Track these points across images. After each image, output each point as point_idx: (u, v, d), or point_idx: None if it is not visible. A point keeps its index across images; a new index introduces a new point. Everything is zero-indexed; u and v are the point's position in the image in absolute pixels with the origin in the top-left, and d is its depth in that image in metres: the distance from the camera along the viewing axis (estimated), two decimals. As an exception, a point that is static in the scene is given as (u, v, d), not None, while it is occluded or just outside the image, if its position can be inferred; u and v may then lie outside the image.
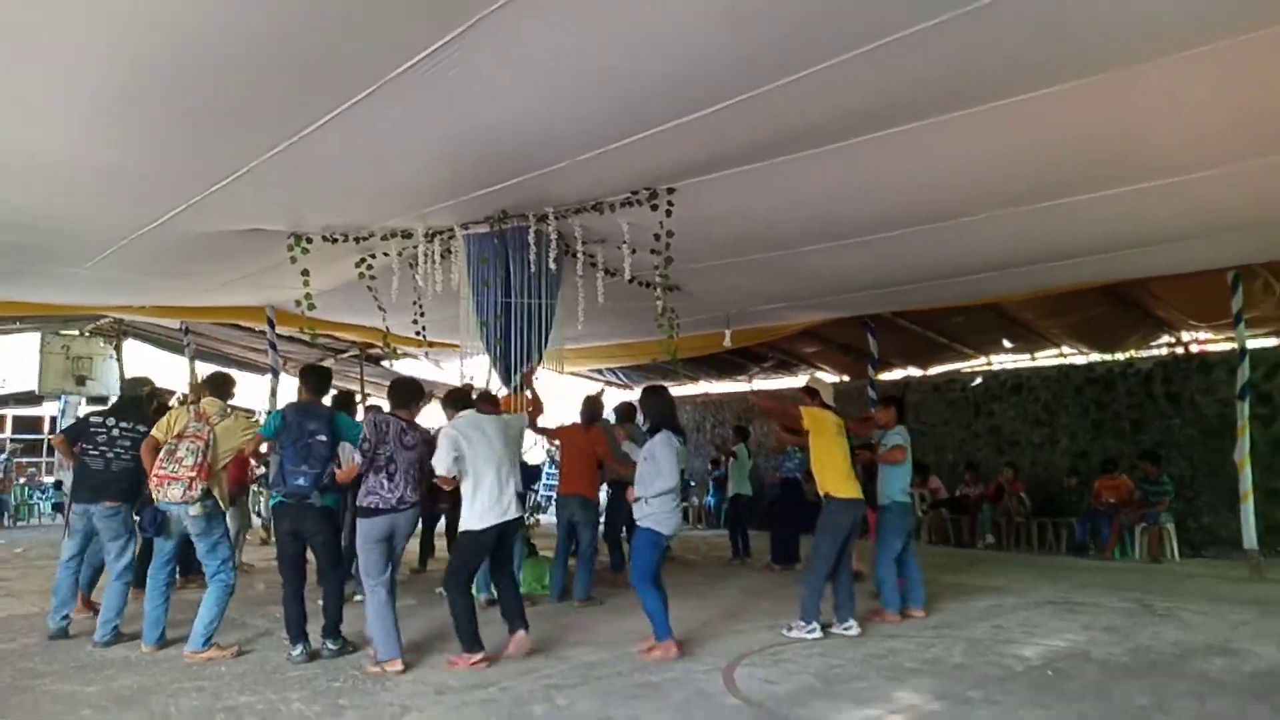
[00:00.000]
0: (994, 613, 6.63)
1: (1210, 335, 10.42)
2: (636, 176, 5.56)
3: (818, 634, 5.73)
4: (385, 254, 6.84)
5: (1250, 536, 8.25)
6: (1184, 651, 5.34)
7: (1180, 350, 10.85)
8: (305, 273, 6.58)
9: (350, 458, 5.51)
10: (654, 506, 5.34)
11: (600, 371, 15.13)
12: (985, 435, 12.51)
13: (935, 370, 13.21)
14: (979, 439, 12.55)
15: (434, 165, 5.34)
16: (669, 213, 5.79)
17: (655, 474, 5.33)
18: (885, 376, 12.86)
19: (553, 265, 6.44)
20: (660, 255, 6.01)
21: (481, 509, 5.07)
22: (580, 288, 6.75)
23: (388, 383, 7.78)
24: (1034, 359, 12.21)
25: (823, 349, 13.17)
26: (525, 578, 7.15)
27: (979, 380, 12.67)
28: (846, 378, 13.58)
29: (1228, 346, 9.68)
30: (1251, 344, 8.81)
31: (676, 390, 16.03)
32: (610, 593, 7.35)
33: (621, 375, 15.33)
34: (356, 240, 6.64)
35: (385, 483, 5.09)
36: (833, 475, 5.90)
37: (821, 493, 5.98)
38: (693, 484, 14.46)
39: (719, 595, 7.57)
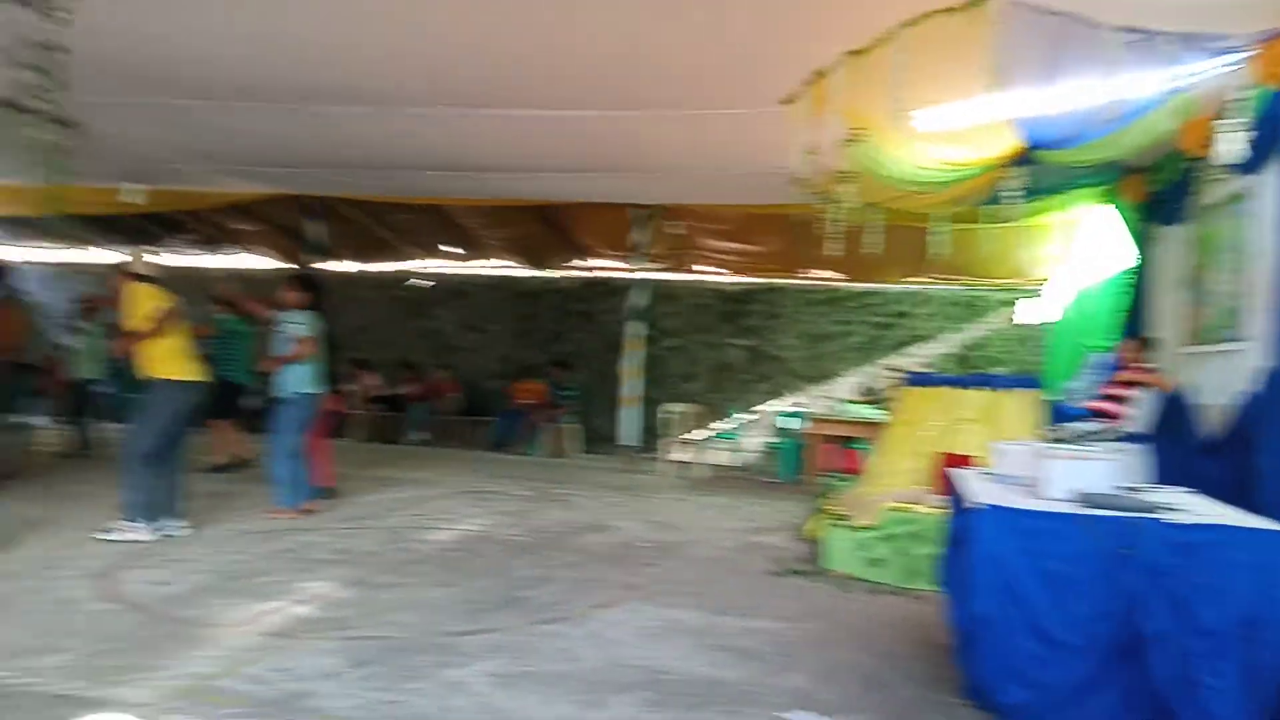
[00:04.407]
0: (414, 503, 6.85)
1: (617, 264, 12.05)
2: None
3: (147, 533, 5.11)
4: None
5: (630, 435, 9.87)
6: (569, 529, 6.12)
7: (592, 273, 12.37)
8: None
9: None
10: None
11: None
12: (427, 336, 12.85)
13: (382, 266, 13.07)
14: (421, 339, 12.84)
15: None
16: (65, 23, 4.55)
17: None
18: (332, 267, 12.33)
19: None
20: (43, 74, 4.72)
21: None
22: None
23: None
24: (474, 267, 12.82)
25: (260, 228, 12.03)
26: None
27: (428, 283, 12.89)
28: (283, 264, 12.68)
29: (626, 275, 11.30)
30: (646, 275, 10.39)
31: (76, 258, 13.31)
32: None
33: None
34: None
35: None
36: (165, 355, 5.26)
37: (154, 375, 5.28)
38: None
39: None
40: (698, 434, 10.40)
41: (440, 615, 3.99)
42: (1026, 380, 6.40)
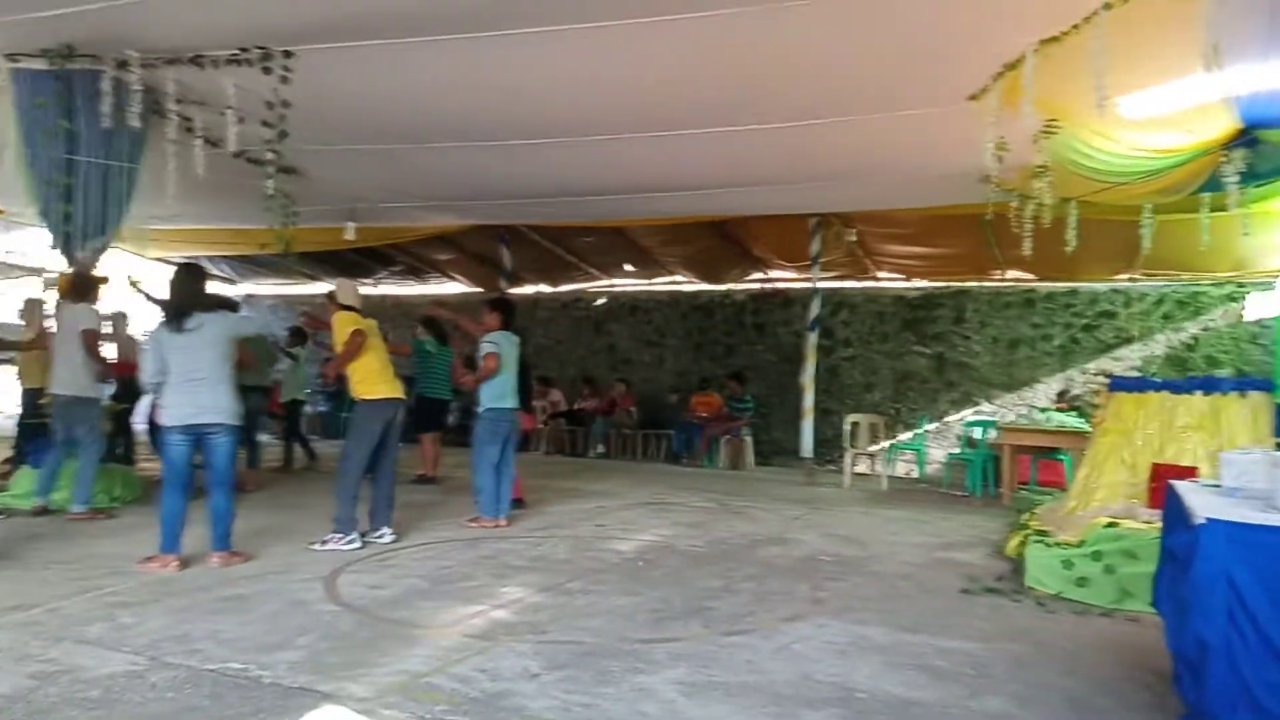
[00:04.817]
0: (598, 514, 7.07)
1: (792, 274, 11.93)
2: (246, 30, 4.81)
3: (357, 544, 5.47)
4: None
5: (807, 447, 9.72)
6: (750, 542, 6.11)
7: (767, 285, 12.31)
8: None
9: None
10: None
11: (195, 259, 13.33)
12: (604, 352, 13.25)
13: (564, 288, 13.61)
14: (598, 355, 13.26)
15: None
16: (285, 79, 5.11)
17: None
18: (517, 291, 12.99)
19: (136, 123, 5.41)
20: (273, 129, 5.32)
21: None
22: (173, 157, 5.77)
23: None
24: (650, 284, 13.10)
25: (457, 257, 12.90)
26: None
27: (604, 300, 13.30)
28: (479, 289, 13.50)
29: (801, 286, 11.14)
30: (822, 284, 10.22)
31: (292, 289, 14.76)
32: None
33: (226, 267, 13.66)
34: None
35: None
36: (362, 376, 5.67)
37: (355, 396, 5.72)
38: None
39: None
40: (880, 445, 10.09)
41: (628, 622, 4.10)
42: (1255, 383, 5.75)
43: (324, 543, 5.44)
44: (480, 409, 6.32)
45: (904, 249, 10.44)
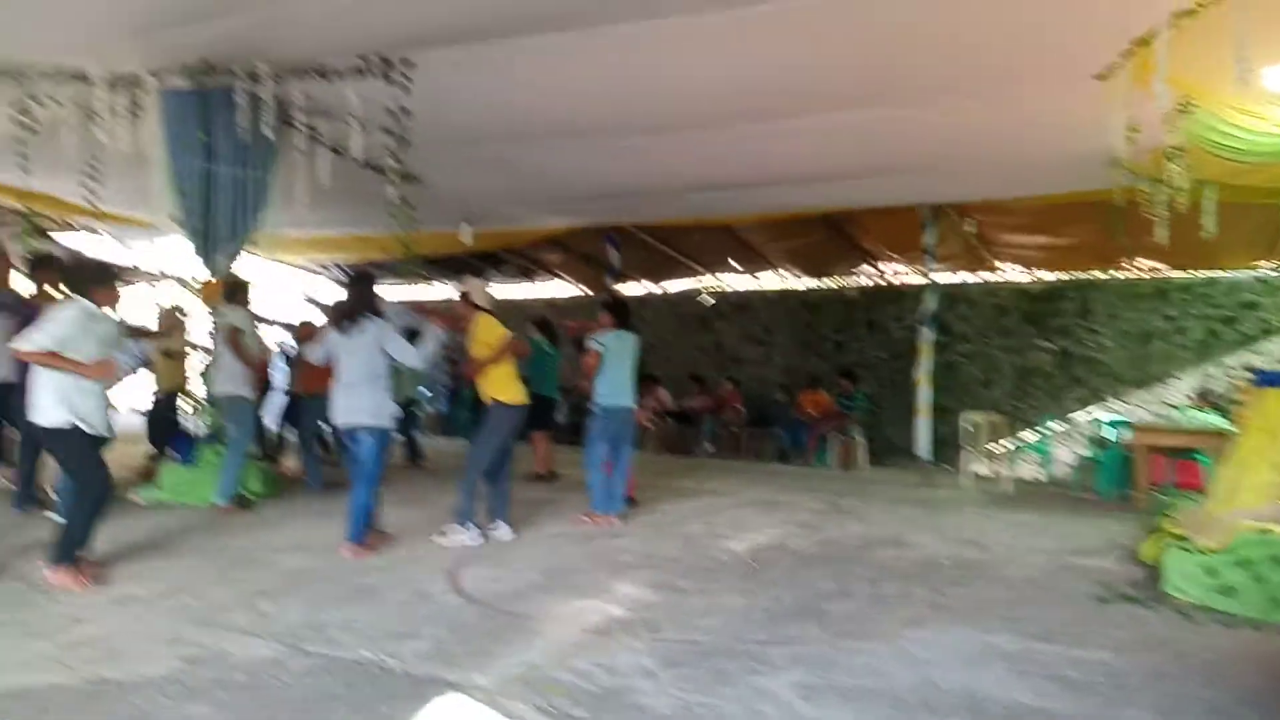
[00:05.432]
0: (708, 512, 7.05)
1: (903, 268, 11.61)
2: (368, 40, 5.01)
3: (477, 537, 5.65)
4: (56, 101, 5.71)
5: (923, 447, 9.44)
6: (865, 543, 5.97)
7: (878, 279, 12.01)
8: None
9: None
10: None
11: (325, 266, 14.03)
12: (711, 350, 13.22)
13: (670, 286, 13.65)
14: (705, 353, 13.24)
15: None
16: (405, 88, 5.31)
17: None
18: (616, 290, 13.09)
19: (270, 136, 5.73)
20: (395, 137, 5.53)
21: None
22: (303, 166, 6.08)
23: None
24: (757, 280, 12.99)
25: (566, 259, 13.13)
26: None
27: (712, 299, 13.27)
28: (588, 290, 13.69)
29: (915, 279, 10.82)
30: (936, 277, 9.88)
31: (409, 291, 15.27)
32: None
33: (347, 271, 14.29)
34: (13, 78, 5.47)
35: None
36: (501, 379, 5.82)
37: (488, 398, 5.85)
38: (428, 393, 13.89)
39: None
40: (1001, 445, 9.71)
41: (742, 622, 4.08)
42: None
43: (445, 534, 5.63)
44: (597, 407, 6.40)
45: (1024, 239, 10.00)
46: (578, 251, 12.55)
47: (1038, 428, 10.30)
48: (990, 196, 8.62)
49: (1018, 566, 5.35)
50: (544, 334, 8.71)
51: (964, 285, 11.11)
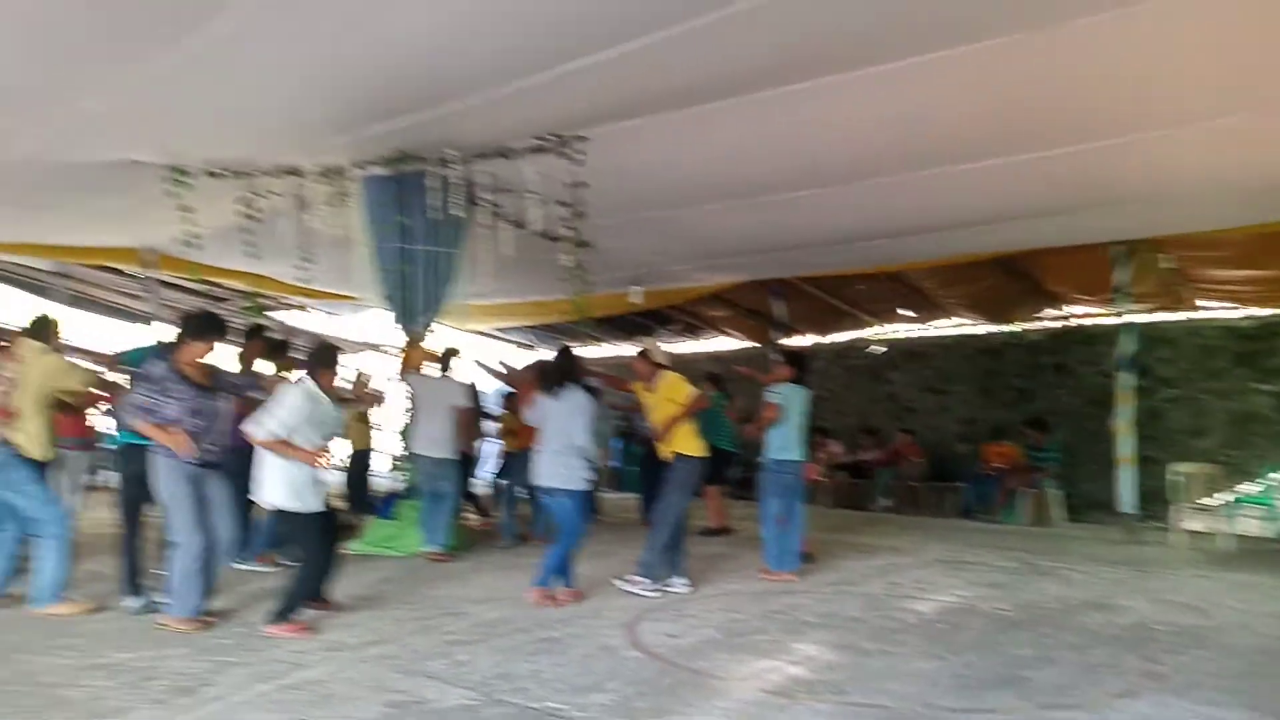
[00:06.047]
0: (889, 570, 6.80)
1: (1093, 309, 10.87)
2: (545, 121, 5.35)
3: (656, 591, 5.70)
4: (276, 193, 6.43)
5: (1127, 501, 8.70)
6: (1065, 606, 5.57)
7: (1066, 322, 11.30)
8: (187, 209, 6.13)
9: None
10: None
11: (504, 331, 14.79)
12: (883, 401, 12.82)
13: (837, 337, 13.43)
14: (877, 404, 12.85)
15: (322, 93, 5.01)
16: (579, 162, 5.61)
17: None
18: (789, 343, 13.01)
19: (459, 214, 6.20)
20: (570, 208, 5.84)
21: None
22: (487, 240, 6.52)
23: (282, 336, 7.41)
24: (930, 328, 12.54)
25: (730, 314, 13.20)
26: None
27: (883, 349, 12.93)
28: (753, 344, 13.69)
29: (1108, 321, 10.09)
30: (1131, 318, 9.21)
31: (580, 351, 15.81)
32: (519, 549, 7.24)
33: (529, 335, 15.01)
34: (241, 176, 6.21)
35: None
36: (687, 434, 5.91)
37: (672, 452, 5.94)
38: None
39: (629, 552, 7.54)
40: (1217, 498, 8.79)
41: (933, 688, 3.89)
42: None
43: (628, 583, 5.74)
44: (769, 461, 6.38)
45: (1230, 273, 9.14)
46: (742, 306, 12.61)
47: (1259, 479, 9.27)
48: (1189, 229, 7.99)
49: (1246, 633, 4.83)
50: (716, 388, 8.78)
51: (1162, 325, 10.26)
